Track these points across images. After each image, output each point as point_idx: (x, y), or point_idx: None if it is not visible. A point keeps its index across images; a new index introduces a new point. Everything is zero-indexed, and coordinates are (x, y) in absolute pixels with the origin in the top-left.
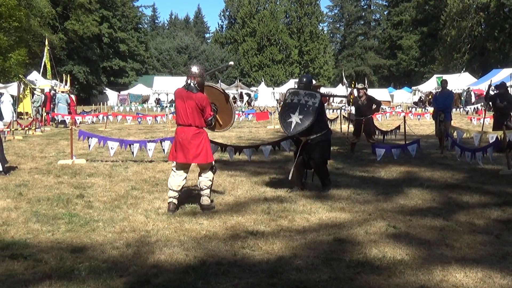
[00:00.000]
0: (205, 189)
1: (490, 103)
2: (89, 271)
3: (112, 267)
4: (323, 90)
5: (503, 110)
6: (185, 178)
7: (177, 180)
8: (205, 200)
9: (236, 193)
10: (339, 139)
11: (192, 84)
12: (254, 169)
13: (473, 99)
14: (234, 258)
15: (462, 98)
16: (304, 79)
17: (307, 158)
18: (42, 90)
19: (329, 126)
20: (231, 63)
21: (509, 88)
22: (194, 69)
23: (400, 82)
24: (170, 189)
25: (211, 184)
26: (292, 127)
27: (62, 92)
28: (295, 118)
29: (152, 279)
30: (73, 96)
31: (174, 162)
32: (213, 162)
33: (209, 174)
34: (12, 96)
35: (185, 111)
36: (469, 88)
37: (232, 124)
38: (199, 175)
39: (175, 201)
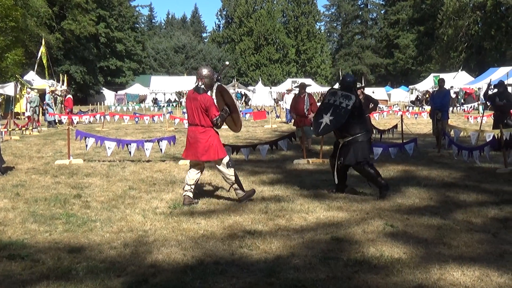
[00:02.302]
0: (233, 185)
1: (489, 102)
2: (87, 271)
3: (109, 267)
4: (318, 88)
5: (503, 108)
6: (199, 173)
7: (191, 175)
8: (237, 195)
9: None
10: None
11: (199, 86)
12: (251, 169)
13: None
14: (232, 257)
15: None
16: (347, 79)
17: (340, 161)
18: (44, 91)
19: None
20: (227, 62)
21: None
22: (202, 71)
23: (397, 81)
24: (186, 183)
25: (235, 178)
26: (321, 127)
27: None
28: (326, 119)
29: (150, 278)
30: (71, 96)
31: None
32: (228, 158)
33: (227, 171)
34: (9, 97)
35: (191, 111)
36: (452, 86)
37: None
38: (221, 174)
39: (190, 194)
